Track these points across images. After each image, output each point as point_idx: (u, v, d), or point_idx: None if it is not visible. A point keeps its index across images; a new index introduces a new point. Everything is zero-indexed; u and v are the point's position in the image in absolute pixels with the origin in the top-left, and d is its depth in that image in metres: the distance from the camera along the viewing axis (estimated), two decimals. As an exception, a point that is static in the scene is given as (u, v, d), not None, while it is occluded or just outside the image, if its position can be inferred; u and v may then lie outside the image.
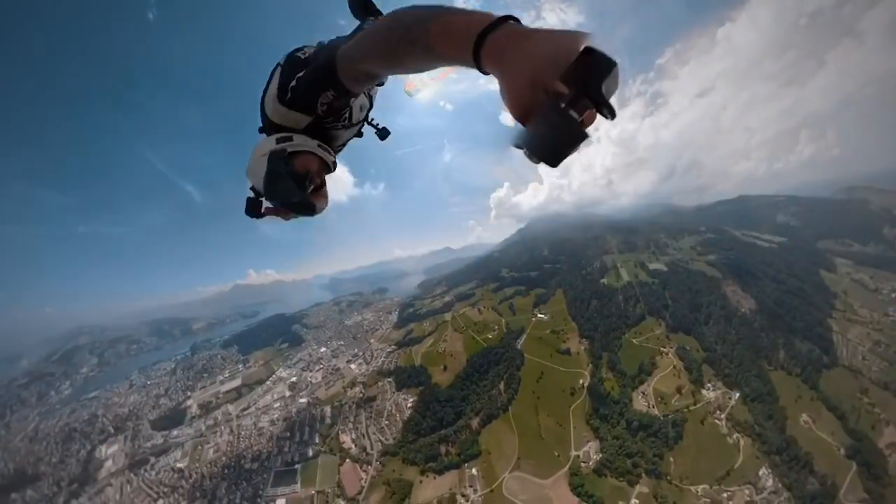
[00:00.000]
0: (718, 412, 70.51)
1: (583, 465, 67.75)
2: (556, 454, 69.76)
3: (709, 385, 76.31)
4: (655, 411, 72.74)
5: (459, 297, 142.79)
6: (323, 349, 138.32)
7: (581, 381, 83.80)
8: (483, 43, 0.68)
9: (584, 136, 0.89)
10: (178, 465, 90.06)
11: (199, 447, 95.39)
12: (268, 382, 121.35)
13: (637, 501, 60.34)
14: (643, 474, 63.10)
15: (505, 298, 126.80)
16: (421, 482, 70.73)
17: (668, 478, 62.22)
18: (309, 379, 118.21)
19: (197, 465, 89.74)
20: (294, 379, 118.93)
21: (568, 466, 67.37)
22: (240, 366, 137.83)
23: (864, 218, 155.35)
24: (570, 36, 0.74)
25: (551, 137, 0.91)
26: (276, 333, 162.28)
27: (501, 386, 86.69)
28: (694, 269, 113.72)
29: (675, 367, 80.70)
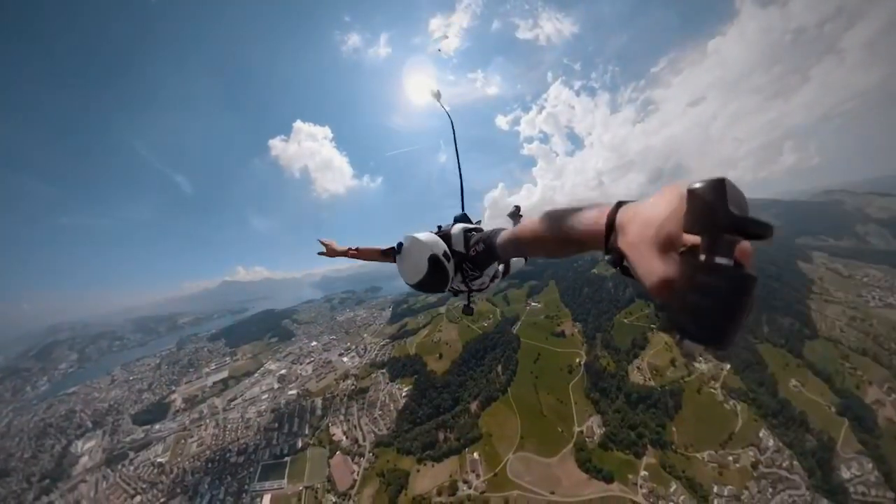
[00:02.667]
0: (713, 381, 71.85)
1: (587, 440, 65.95)
2: (560, 430, 67.70)
3: (700, 358, 77.94)
4: (652, 383, 72.99)
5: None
6: (314, 343, 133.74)
7: (577, 360, 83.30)
8: (612, 231, 0.67)
9: (749, 280, 0.64)
10: (159, 459, 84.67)
11: (182, 441, 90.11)
12: (256, 375, 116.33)
13: (646, 473, 58.39)
14: (648, 445, 62.30)
15: (499, 290, 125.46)
16: (418, 471, 66.90)
17: (674, 447, 61.49)
18: (299, 371, 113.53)
19: (179, 459, 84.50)
20: (283, 371, 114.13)
21: (573, 443, 65.26)
22: (227, 358, 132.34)
23: (839, 217, 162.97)
24: (673, 187, 0.67)
25: (708, 304, 0.65)
26: (266, 328, 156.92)
27: (499, 368, 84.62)
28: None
29: (666, 342, 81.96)
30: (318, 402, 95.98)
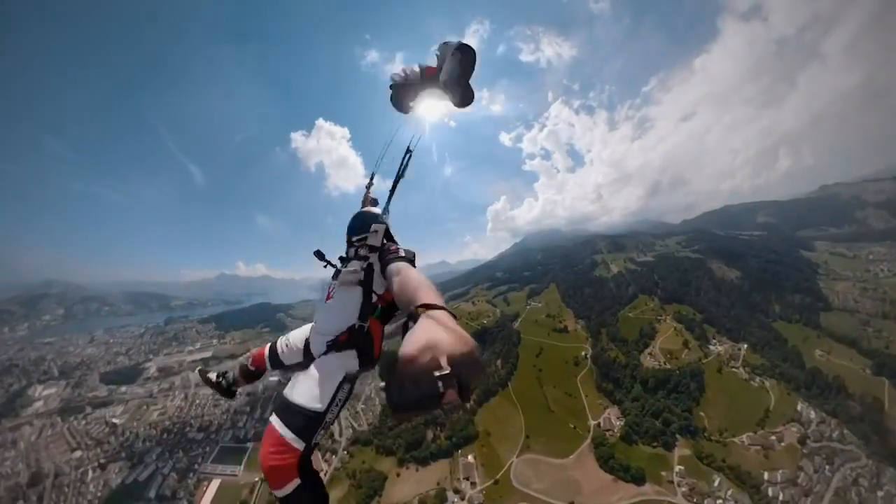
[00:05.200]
0: (732, 361, 67.09)
1: (607, 433, 57.97)
2: (573, 426, 60.00)
3: (714, 341, 74.26)
4: (668, 366, 67.33)
5: (453, 297, 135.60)
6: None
7: (583, 353, 77.53)
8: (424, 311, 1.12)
9: (436, 406, 0.89)
10: (115, 420, 76.95)
11: (144, 406, 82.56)
12: (240, 358, 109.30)
13: (682, 467, 49.17)
14: (677, 434, 54.37)
15: (499, 293, 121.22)
16: (398, 475, 57.38)
17: (706, 433, 53.74)
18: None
19: (135, 424, 76.85)
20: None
21: (590, 438, 57.29)
22: (213, 340, 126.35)
23: (837, 207, 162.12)
24: (474, 341, 0.96)
25: (409, 392, 0.88)
26: (259, 318, 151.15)
27: (499, 363, 77.56)
28: (679, 256, 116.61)
29: (675, 329, 77.82)
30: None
